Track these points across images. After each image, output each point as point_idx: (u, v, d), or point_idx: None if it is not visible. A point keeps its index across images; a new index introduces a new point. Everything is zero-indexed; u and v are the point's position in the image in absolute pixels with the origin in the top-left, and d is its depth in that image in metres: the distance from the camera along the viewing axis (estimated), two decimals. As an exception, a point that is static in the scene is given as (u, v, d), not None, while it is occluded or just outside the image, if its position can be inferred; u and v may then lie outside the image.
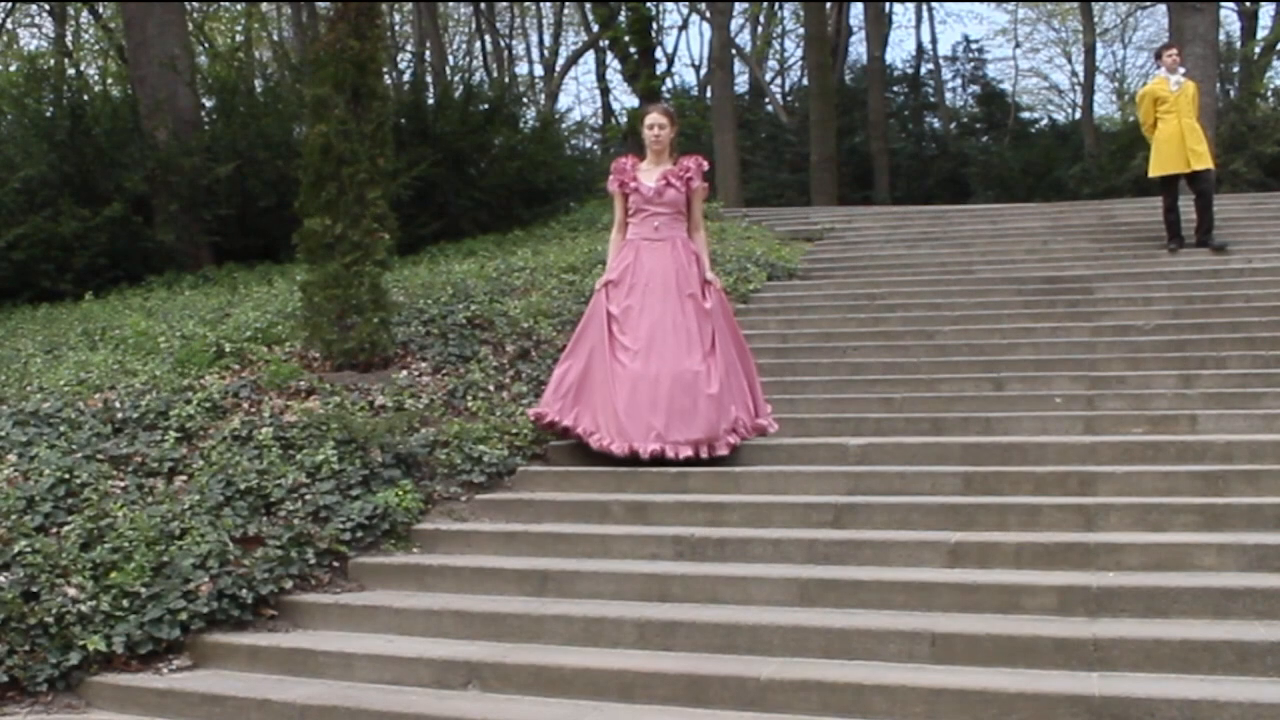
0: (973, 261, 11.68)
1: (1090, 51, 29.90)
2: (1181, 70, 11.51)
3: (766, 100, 33.44)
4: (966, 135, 31.39)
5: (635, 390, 6.67)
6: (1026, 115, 34.50)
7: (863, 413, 7.52)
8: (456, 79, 19.55)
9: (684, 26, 41.05)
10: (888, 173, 26.30)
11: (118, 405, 7.18)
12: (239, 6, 28.97)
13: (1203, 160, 11.11)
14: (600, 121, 34.09)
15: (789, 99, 35.37)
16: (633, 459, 6.65)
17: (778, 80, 38.04)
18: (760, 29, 34.89)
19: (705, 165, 7.12)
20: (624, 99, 33.37)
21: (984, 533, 5.62)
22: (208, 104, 16.06)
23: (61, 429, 6.88)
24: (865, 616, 4.98)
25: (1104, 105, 36.11)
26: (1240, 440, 6.36)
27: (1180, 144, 11.11)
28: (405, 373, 7.85)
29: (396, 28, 31.97)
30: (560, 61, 35.10)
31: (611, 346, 6.81)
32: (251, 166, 14.22)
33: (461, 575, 5.82)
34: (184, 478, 6.46)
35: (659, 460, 6.58)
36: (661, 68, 28.42)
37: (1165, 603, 4.80)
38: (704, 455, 6.61)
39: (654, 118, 7.16)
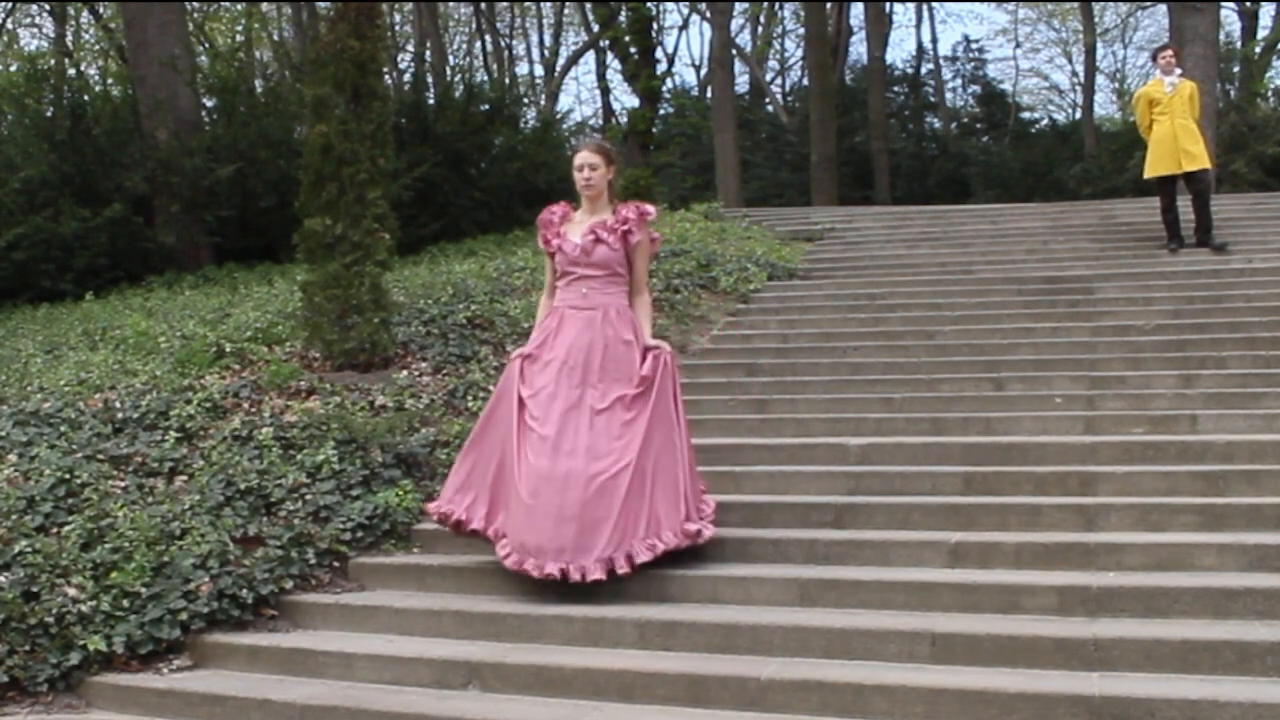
0: (973, 261, 11.69)
1: (1090, 51, 29.91)
2: (1178, 71, 11.51)
3: (766, 100, 33.45)
4: (967, 135, 31.40)
5: (539, 494, 5.34)
6: (1027, 115, 34.55)
7: (863, 413, 7.52)
8: (457, 79, 19.60)
9: (684, 26, 41.09)
10: (888, 173, 26.31)
11: (118, 405, 7.18)
12: (239, 6, 28.97)
13: (1196, 161, 11.10)
14: (600, 122, 34.07)
15: (789, 99, 35.38)
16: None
17: (778, 80, 38.08)
18: (760, 29, 34.91)
19: (650, 213, 5.74)
20: (624, 99, 33.36)
21: (984, 533, 5.62)
22: (208, 104, 16.08)
23: (62, 429, 6.88)
24: (865, 616, 4.98)
25: (1104, 105, 36.16)
26: (1240, 440, 6.36)
27: (1173, 145, 11.10)
28: (405, 373, 7.85)
29: (396, 28, 31.96)
30: (560, 61, 35.12)
31: (521, 434, 5.50)
32: (252, 167, 14.23)
33: (462, 575, 5.82)
34: (184, 478, 6.46)
35: (563, 583, 5.30)
36: (661, 68, 28.39)
37: (1165, 603, 4.79)
38: (619, 571, 5.32)
39: (584, 156, 5.71)
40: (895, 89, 32.01)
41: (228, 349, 8.24)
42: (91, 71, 25.32)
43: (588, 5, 29.85)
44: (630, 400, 5.50)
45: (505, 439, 5.55)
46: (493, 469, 5.59)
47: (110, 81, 17.64)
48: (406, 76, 27.17)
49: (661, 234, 12.28)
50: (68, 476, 6.21)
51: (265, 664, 5.30)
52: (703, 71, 35.74)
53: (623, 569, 5.30)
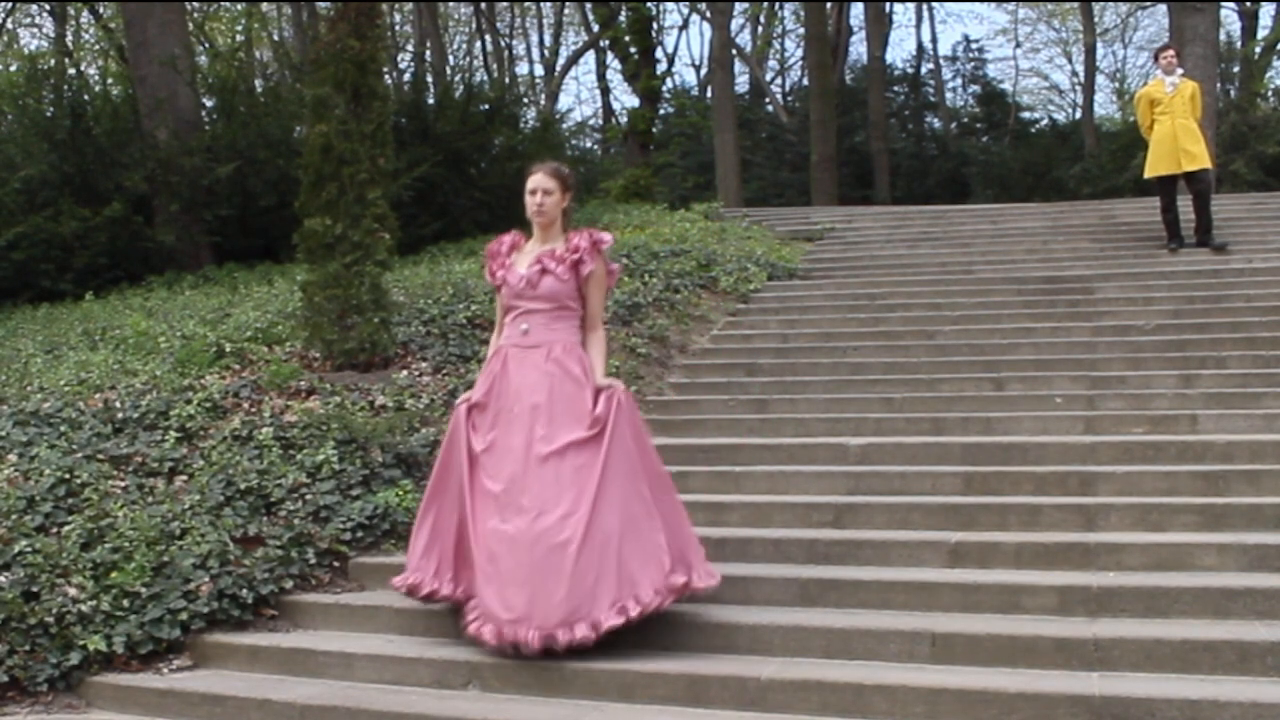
0: (973, 261, 11.69)
1: (1090, 51, 29.91)
2: (1179, 71, 11.51)
3: (766, 100, 33.45)
4: (966, 135, 31.42)
5: (495, 558, 4.83)
6: (1026, 115, 34.57)
7: (863, 413, 7.52)
8: (457, 79, 19.56)
9: (684, 26, 41.09)
10: (888, 173, 26.32)
11: (118, 405, 7.18)
12: (239, 6, 28.97)
13: (1196, 161, 11.10)
14: (600, 121, 34.10)
15: (789, 99, 35.39)
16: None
17: (778, 80, 38.09)
18: (760, 29, 34.92)
19: (605, 242, 5.20)
20: (624, 99, 33.40)
21: (984, 533, 5.62)
22: (208, 104, 16.06)
23: (62, 429, 6.88)
24: (865, 616, 4.98)
25: (1104, 105, 36.18)
26: (1240, 440, 6.36)
27: (1173, 145, 11.10)
28: (405, 373, 7.85)
29: (396, 28, 31.96)
30: (560, 61, 35.13)
31: (475, 493, 4.99)
32: (252, 166, 14.22)
33: (462, 575, 5.82)
34: (184, 478, 6.46)
35: (516, 653, 4.79)
36: (661, 68, 28.43)
37: (1165, 603, 4.80)
38: (580, 637, 4.70)
39: (537, 179, 5.19)
40: (895, 89, 32.03)
41: (228, 349, 8.24)
42: (91, 71, 25.30)
43: (588, 5, 29.87)
44: (582, 444, 4.87)
45: (461, 496, 5.04)
46: (454, 527, 5.09)
47: (110, 81, 17.61)
48: (406, 76, 27.14)
49: (662, 235, 12.39)
50: (68, 476, 6.21)
51: (265, 664, 5.30)
52: (703, 71, 35.80)
53: (584, 634, 4.70)
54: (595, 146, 31.22)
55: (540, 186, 5.17)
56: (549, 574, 4.70)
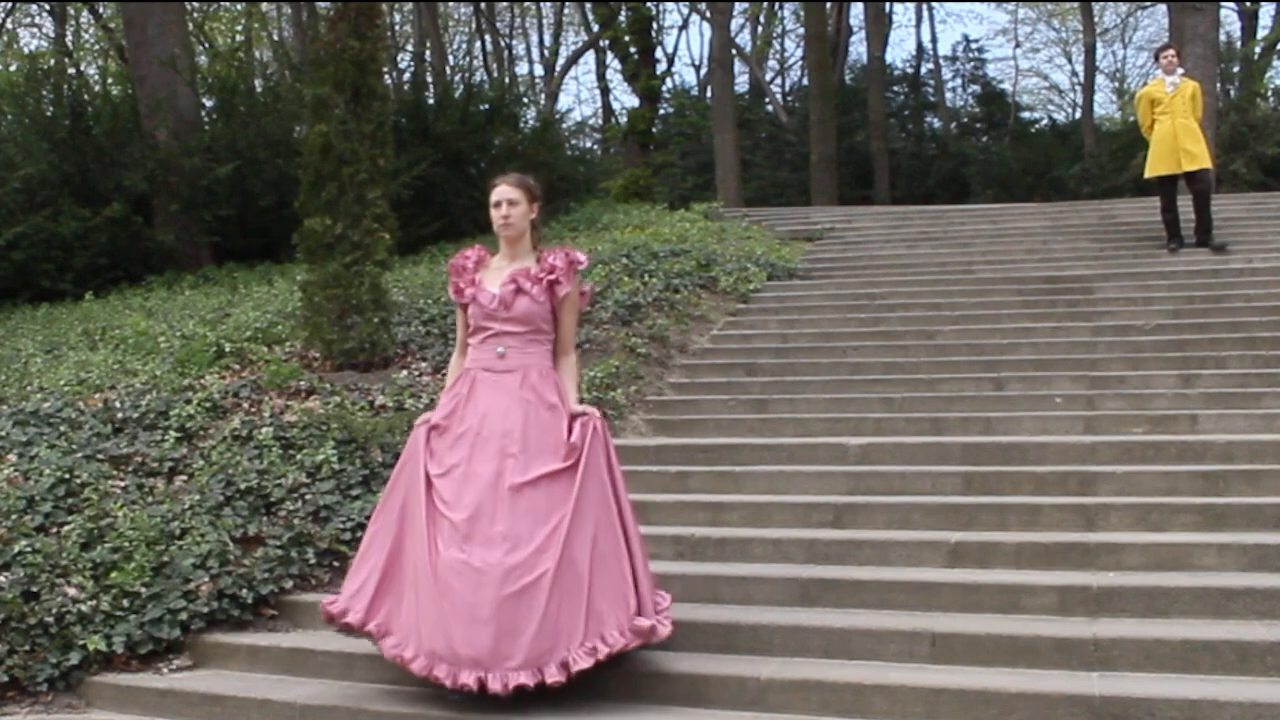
0: (973, 261, 11.69)
1: (1090, 51, 29.90)
2: (1180, 71, 11.50)
3: (766, 100, 33.43)
4: (966, 135, 31.40)
5: (451, 591, 4.46)
6: (1026, 115, 34.54)
7: (863, 413, 7.52)
8: (456, 79, 19.58)
9: (684, 26, 41.12)
10: (888, 173, 26.31)
11: (118, 405, 7.19)
12: (239, 6, 28.98)
13: (1196, 161, 11.09)
14: (600, 121, 34.09)
15: (789, 99, 35.38)
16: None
17: (778, 80, 38.07)
18: (760, 29, 34.92)
19: (581, 262, 4.94)
20: (624, 99, 33.40)
21: (984, 533, 5.62)
22: (208, 104, 16.07)
23: (61, 429, 6.88)
24: (865, 616, 4.98)
25: (1104, 105, 36.17)
26: (1240, 440, 6.36)
27: (1173, 145, 11.10)
28: (405, 372, 7.85)
29: (396, 28, 31.97)
30: (560, 61, 35.13)
31: (431, 521, 4.62)
32: (252, 166, 14.23)
33: (462, 575, 5.81)
34: (184, 478, 6.46)
35: (481, 694, 4.45)
36: (661, 68, 28.44)
37: (1165, 603, 4.80)
38: (550, 681, 4.42)
39: (502, 191, 4.92)
40: (895, 89, 32.01)
41: (228, 349, 8.24)
42: (91, 71, 25.31)
43: (588, 5, 29.88)
44: (557, 475, 4.60)
45: (410, 522, 4.68)
46: (386, 553, 4.71)
47: (110, 81, 17.61)
48: (406, 76, 27.15)
49: (661, 235, 12.39)
50: (68, 476, 6.21)
51: (265, 664, 5.30)
52: (703, 71, 35.77)
53: (555, 678, 4.41)
54: (595, 146, 31.20)
55: (505, 198, 4.90)
56: (520, 611, 4.40)
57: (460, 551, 4.50)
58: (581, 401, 4.95)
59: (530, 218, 4.95)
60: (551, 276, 4.85)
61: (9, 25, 27.90)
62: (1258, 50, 25.37)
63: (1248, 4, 27.05)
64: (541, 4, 34.73)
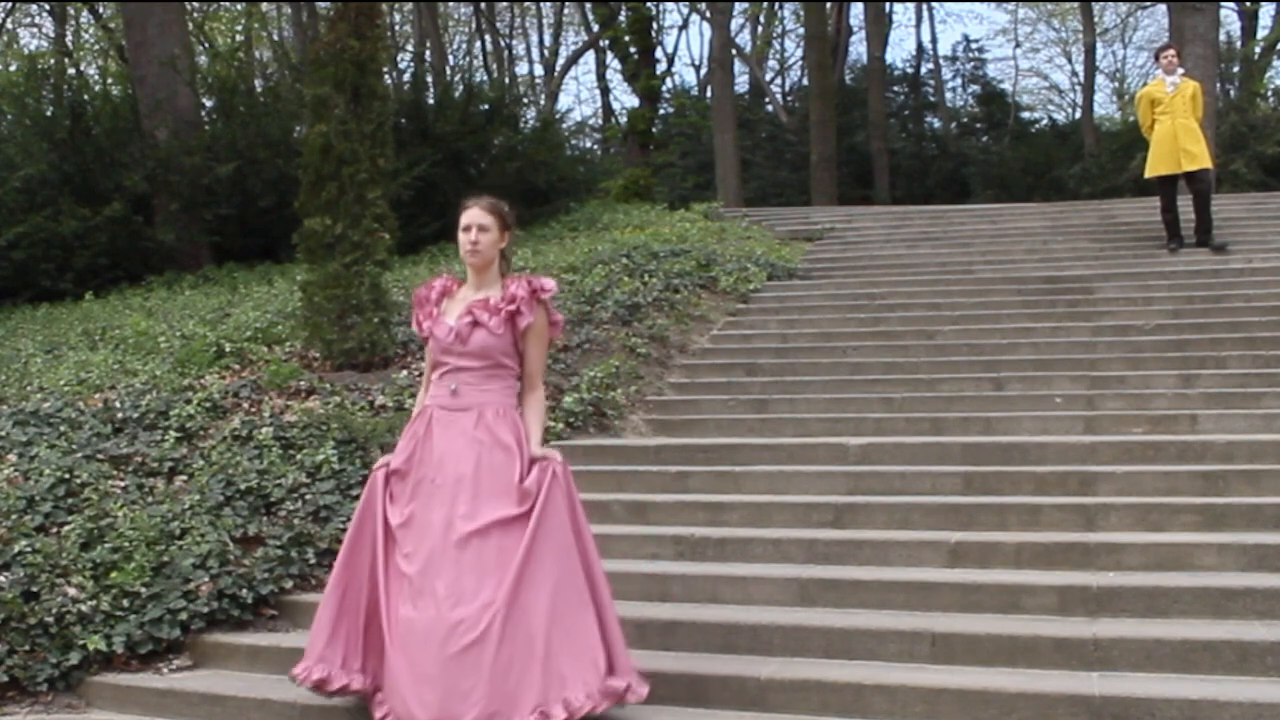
0: (973, 261, 11.69)
1: (1090, 51, 29.89)
2: (1180, 71, 11.50)
3: (766, 100, 33.44)
4: (966, 135, 31.41)
5: (405, 649, 4.22)
6: (1026, 115, 34.56)
7: (863, 413, 7.52)
8: (456, 79, 19.57)
9: (684, 26, 41.06)
10: (888, 173, 26.32)
11: (118, 405, 7.19)
12: (239, 6, 28.98)
13: (1196, 161, 11.09)
14: (600, 121, 34.10)
15: (789, 99, 35.38)
16: None
17: (778, 80, 38.07)
18: (760, 29, 34.92)
19: (548, 290, 4.54)
20: (624, 99, 33.41)
21: (984, 533, 5.62)
22: (208, 104, 16.07)
23: (61, 429, 6.88)
24: (865, 616, 4.98)
25: (1104, 105, 36.19)
26: (1240, 440, 6.36)
27: (1173, 145, 11.10)
28: (405, 372, 7.85)
29: (396, 28, 31.97)
30: (560, 61, 35.14)
31: (389, 574, 4.38)
32: (252, 166, 14.23)
33: (462, 575, 5.81)
34: (184, 478, 6.46)
35: None
36: (661, 68, 28.45)
37: (1165, 603, 4.80)
38: None
39: (473, 215, 4.57)
40: (895, 89, 32.02)
41: (228, 349, 8.25)
42: (91, 71, 25.32)
43: (588, 5, 29.88)
44: (508, 523, 4.26)
45: (373, 574, 4.44)
46: (363, 608, 4.48)
47: (110, 81, 17.62)
48: (406, 76, 27.15)
49: (661, 235, 12.38)
50: (68, 476, 6.21)
51: (265, 664, 5.29)
52: (703, 71, 35.77)
53: None
54: (595, 146, 31.20)
55: (476, 222, 4.53)
56: (465, 670, 4.08)
57: (411, 608, 4.23)
58: (548, 442, 4.60)
59: (500, 246, 4.59)
60: (512, 307, 4.47)
61: (9, 25, 27.92)
62: (1258, 50, 25.37)
63: (1248, 4, 27.05)
64: (541, 4, 34.75)
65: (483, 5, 32.95)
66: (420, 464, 4.42)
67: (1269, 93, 23.62)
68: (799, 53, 34.87)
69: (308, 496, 6.25)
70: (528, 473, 4.35)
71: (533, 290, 4.50)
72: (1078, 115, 32.99)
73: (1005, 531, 5.63)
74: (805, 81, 28.77)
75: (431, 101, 16.97)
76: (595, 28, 28.87)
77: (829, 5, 28.06)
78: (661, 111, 28.29)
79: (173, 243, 13.92)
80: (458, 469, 4.34)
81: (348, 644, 4.47)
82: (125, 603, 5.42)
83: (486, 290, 4.55)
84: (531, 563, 4.20)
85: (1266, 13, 27.33)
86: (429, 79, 19.99)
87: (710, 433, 7.49)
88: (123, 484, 6.35)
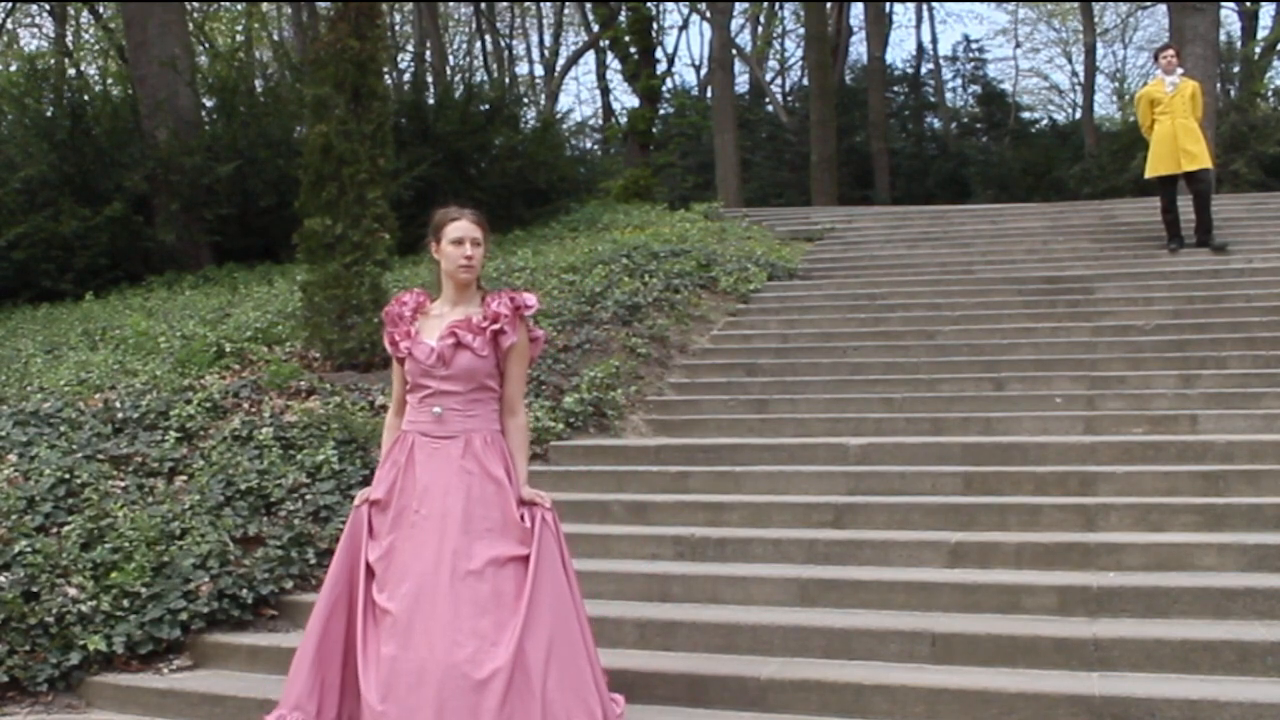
0: (973, 261, 11.69)
1: (1090, 51, 29.90)
2: (1180, 71, 11.49)
3: (766, 100, 33.44)
4: (966, 135, 31.42)
5: (391, 694, 3.95)
6: (1026, 115, 34.56)
7: (863, 413, 7.52)
8: (456, 79, 19.59)
9: (684, 26, 41.18)
10: (888, 173, 26.32)
11: (118, 405, 7.19)
12: (239, 6, 28.98)
13: (1196, 161, 11.08)
14: (600, 121, 34.10)
15: (789, 99, 35.38)
16: None
17: (778, 80, 38.08)
18: (760, 29, 34.94)
19: (530, 306, 4.25)
20: (624, 99, 33.42)
21: (984, 533, 5.62)
22: (208, 104, 16.08)
23: (62, 429, 6.88)
24: (865, 616, 4.98)
25: (1104, 105, 36.19)
26: (1240, 440, 6.36)
27: (1173, 145, 11.09)
28: (405, 373, 7.83)
29: (396, 28, 31.98)
30: (560, 61, 35.14)
31: (366, 613, 4.13)
32: (252, 166, 14.24)
33: (462, 575, 5.81)
34: (184, 478, 6.46)
35: None
36: (661, 68, 28.44)
37: (1165, 603, 4.80)
38: None
39: (464, 227, 4.27)
40: (895, 89, 32.02)
41: (228, 349, 8.25)
42: (91, 71, 25.33)
43: (588, 5, 29.88)
44: (505, 562, 4.04)
45: (350, 614, 4.19)
46: (340, 650, 4.21)
47: (110, 81, 17.64)
48: (406, 76, 27.15)
49: (662, 235, 12.37)
50: (68, 476, 6.21)
51: (265, 664, 5.30)
52: (703, 71, 35.80)
53: None
54: (595, 146, 31.22)
55: (470, 236, 4.24)
56: (463, 716, 3.85)
57: (398, 649, 3.96)
58: (534, 486, 4.39)
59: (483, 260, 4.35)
60: (495, 325, 4.17)
61: (9, 25, 27.93)
62: (1258, 50, 25.36)
63: (1248, 4, 27.05)
64: (541, 4, 34.76)
65: (483, 5, 32.96)
66: (401, 493, 4.16)
67: (1269, 93, 23.62)
68: (799, 53, 34.92)
69: (308, 497, 6.25)
70: (519, 511, 4.14)
71: (515, 307, 4.22)
72: (1078, 115, 33.02)
73: (1005, 532, 5.63)
74: (805, 81, 28.78)
75: (431, 101, 16.97)
76: (595, 28, 28.87)
77: (829, 5, 28.06)
78: (661, 111, 28.30)
79: (173, 243, 13.93)
80: (445, 502, 4.08)
81: (324, 692, 4.18)
82: (125, 603, 5.42)
83: (466, 307, 4.25)
84: (536, 608, 4.01)
85: (1266, 13, 27.35)
86: (429, 79, 20.02)
87: (710, 433, 7.49)
88: (123, 484, 6.35)
